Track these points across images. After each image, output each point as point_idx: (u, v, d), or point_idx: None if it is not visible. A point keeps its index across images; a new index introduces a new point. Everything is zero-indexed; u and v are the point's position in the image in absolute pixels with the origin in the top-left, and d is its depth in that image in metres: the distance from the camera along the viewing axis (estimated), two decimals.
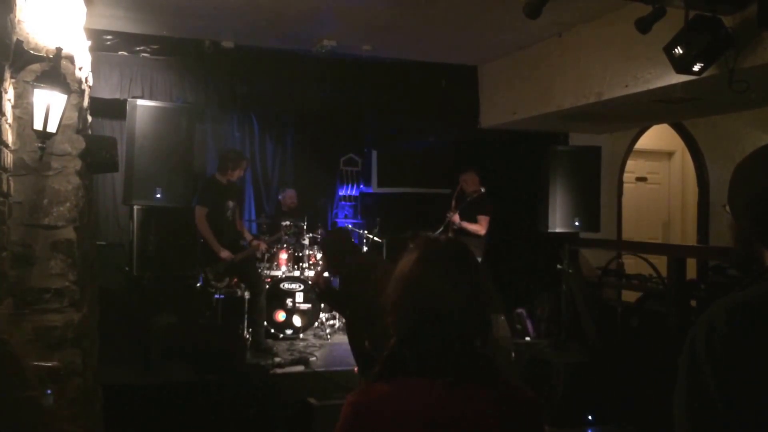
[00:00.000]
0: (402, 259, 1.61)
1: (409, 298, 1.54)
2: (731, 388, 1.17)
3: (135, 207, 5.55)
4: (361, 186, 8.51)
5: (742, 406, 1.16)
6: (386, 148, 8.37)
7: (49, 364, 3.29)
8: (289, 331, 6.71)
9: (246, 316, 6.31)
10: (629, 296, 6.84)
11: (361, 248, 7.13)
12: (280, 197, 7.65)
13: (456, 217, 6.51)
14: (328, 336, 6.84)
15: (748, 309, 1.22)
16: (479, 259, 6.02)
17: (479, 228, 6.50)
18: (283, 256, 7.13)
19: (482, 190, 6.53)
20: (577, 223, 6.44)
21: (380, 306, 1.62)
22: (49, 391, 3.23)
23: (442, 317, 1.50)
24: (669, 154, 9.06)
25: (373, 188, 8.46)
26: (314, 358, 5.92)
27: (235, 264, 6.18)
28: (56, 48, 3.38)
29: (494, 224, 6.68)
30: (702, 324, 1.24)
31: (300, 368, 5.68)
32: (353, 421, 1.48)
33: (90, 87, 4.16)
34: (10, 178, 3.25)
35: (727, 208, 1.38)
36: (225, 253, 6.06)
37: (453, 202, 6.63)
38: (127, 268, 5.78)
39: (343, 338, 6.91)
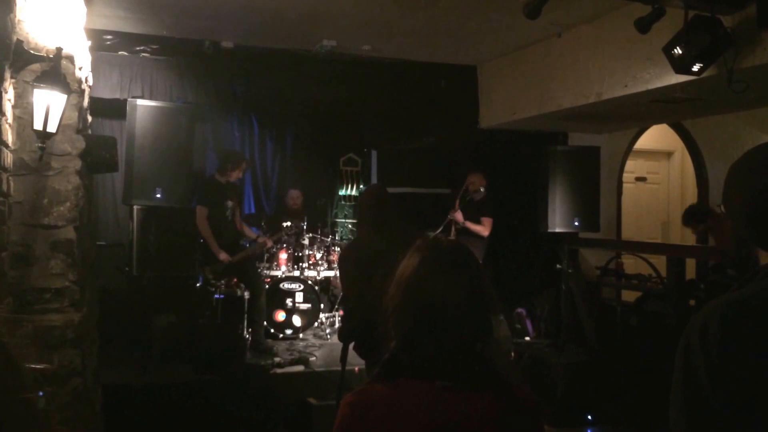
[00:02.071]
0: (403, 261, 1.61)
1: (410, 300, 1.53)
2: (726, 387, 1.17)
3: (135, 207, 5.55)
4: (361, 186, 8.51)
5: (736, 405, 1.17)
6: (386, 148, 8.37)
7: (41, 366, 3.28)
8: (288, 331, 6.71)
9: (246, 316, 6.30)
10: (628, 296, 6.84)
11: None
12: (289, 199, 7.66)
13: (459, 215, 6.47)
14: (328, 336, 6.84)
15: (741, 308, 1.23)
16: (480, 261, 5.97)
17: (483, 229, 6.47)
18: (283, 256, 7.13)
19: (482, 189, 6.51)
20: (576, 223, 6.45)
21: (380, 308, 1.62)
22: (41, 393, 3.22)
23: (443, 320, 1.50)
24: (668, 154, 9.07)
25: None
26: (314, 358, 5.92)
27: (235, 263, 6.19)
28: (56, 48, 3.39)
29: (494, 224, 6.67)
30: (696, 324, 1.24)
31: (300, 368, 5.68)
32: (350, 422, 1.48)
33: (90, 87, 4.17)
34: (10, 177, 3.25)
35: (722, 207, 1.38)
36: (223, 255, 6.06)
37: (456, 201, 6.61)
38: (126, 268, 5.77)
39: None
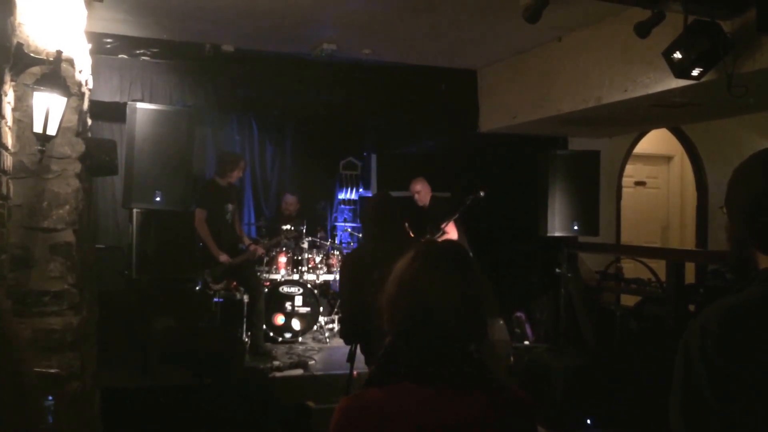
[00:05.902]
0: (401, 261, 1.62)
1: (405, 297, 1.54)
2: (725, 389, 1.17)
3: (134, 210, 5.55)
4: (361, 190, 8.52)
5: (736, 408, 1.17)
6: (386, 151, 8.38)
7: (43, 370, 3.26)
8: (287, 335, 6.70)
9: (245, 319, 6.30)
10: (628, 300, 6.85)
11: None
12: (283, 204, 7.66)
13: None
14: (327, 339, 6.83)
15: (740, 311, 1.23)
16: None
17: (449, 237, 5.91)
18: (282, 259, 7.13)
19: (481, 194, 6.35)
20: (576, 227, 6.45)
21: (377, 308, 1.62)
22: (50, 398, 3.21)
23: (437, 320, 1.50)
24: (668, 159, 9.08)
25: (373, 192, 8.47)
26: (313, 362, 5.92)
27: (234, 267, 6.18)
28: (56, 51, 3.38)
29: (494, 228, 6.65)
30: (695, 327, 1.24)
31: (299, 372, 5.67)
32: (345, 426, 1.48)
33: (90, 90, 4.16)
34: (9, 180, 3.25)
35: (724, 209, 1.39)
36: (223, 257, 6.06)
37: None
38: (126, 272, 5.76)
39: (341, 342, 6.91)
